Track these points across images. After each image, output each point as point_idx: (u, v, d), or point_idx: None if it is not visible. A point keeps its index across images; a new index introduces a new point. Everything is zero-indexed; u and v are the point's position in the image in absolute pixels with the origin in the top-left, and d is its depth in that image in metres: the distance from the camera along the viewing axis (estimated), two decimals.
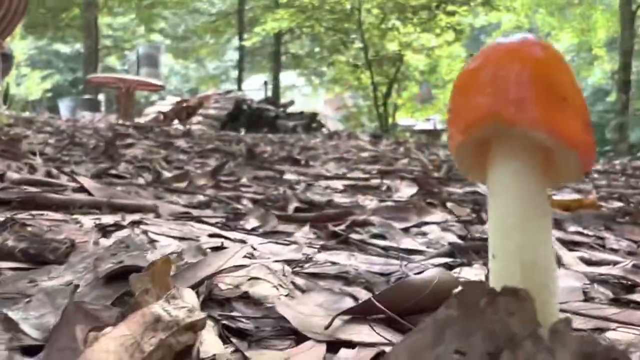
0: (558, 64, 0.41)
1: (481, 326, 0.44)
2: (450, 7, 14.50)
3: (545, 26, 16.45)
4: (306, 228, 1.67)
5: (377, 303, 0.76)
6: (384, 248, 1.51)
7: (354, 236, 1.60)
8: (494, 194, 0.42)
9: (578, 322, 0.94)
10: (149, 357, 0.49)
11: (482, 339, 0.44)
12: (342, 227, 1.71)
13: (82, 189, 1.90)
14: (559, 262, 1.42)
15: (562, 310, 0.97)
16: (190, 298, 0.75)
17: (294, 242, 1.45)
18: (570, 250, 1.63)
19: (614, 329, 0.92)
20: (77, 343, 0.50)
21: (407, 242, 1.65)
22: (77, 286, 0.68)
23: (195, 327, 0.53)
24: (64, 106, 12.08)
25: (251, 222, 1.72)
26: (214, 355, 0.65)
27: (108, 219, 1.49)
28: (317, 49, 18.48)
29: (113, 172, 2.65)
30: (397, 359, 0.47)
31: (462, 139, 0.42)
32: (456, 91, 0.43)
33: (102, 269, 0.80)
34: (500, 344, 0.43)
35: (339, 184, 3.12)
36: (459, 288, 0.45)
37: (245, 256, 1.22)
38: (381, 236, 1.69)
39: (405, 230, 1.87)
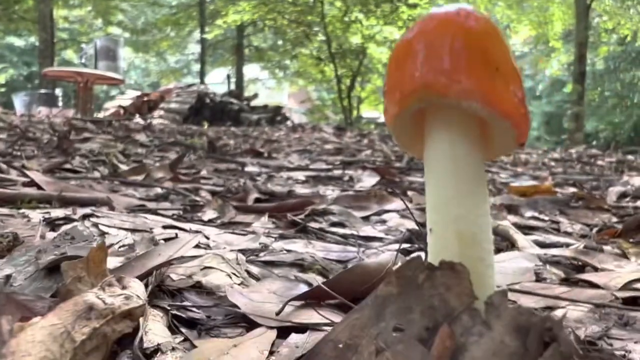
0: (492, 34, 0.41)
1: (420, 302, 0.44)
2: (412, 0, 14.61)
3: (504, 19, 16.75)
4: (264, 218, 1.65)
5: (326, 288, 0.75)
6: (343, 236, 1.51)
7: (313, 225, 1.59)
8: (430, 166, 0.42)
9: (529, 301, 0.95)
10: (81, 346, 0.47)
11: (421, 315, 0.43)
12: (302, 216, 1.70)
13: (32, 184, 1.83)
14: (513, 245, 1.45)
15: (514, 291, 0.99)
16: (137, 288, 0.73)
17: (252, 232, 1.43)
18: (526, 234, 1.66)
19: (563, 307, 0.94)
20: (3, 335, 0.47)
21: (367, 230, 1.65)
22: (9, 276, 0.65)
23: (132, 315, 0.51)
24: (19, 101, 11.65)
25: (208, 214, 1.69)
26: (158, 344, 0.63)
27: (58, 213, 1.44)
28: (280, 42, 18.36)
29: (67, 166, 2.57)
30: (338, 337, 0.46)
31: (397, 111, 0.41)
32: (392, 62, 0.42)
33: (43, 261, 0.77)
34: (438, 319, 0.43)
35: (300, 175, 3.10)
36: (398, 264, 0.44)
37: (200, 246, 1.19)
38: (341, 224, 1.69)
39: (365, 218, 1.88)
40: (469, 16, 0.41)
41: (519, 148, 0.42)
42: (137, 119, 8.66)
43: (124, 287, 0.62)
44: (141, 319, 0.55)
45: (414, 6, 14.86)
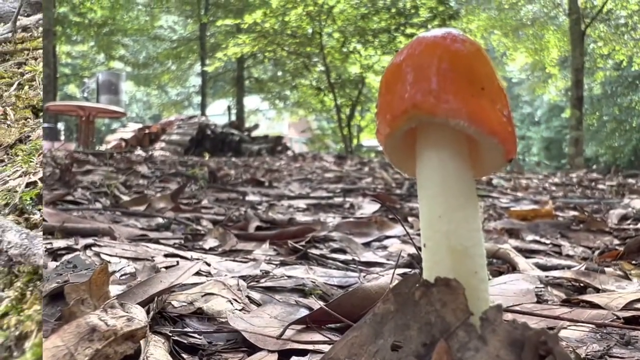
0: (477, 56, 0.43)
1: (417, 318, 0.44)
2: (409, 30, 14.83)
3: (500, 47, 17.00)
4: (265, 245, 1.65)
5: (327, 309, 0.76)
6: (344, 262, 1.51)
7: (314, 251, 1.60)
8: (422, 183, 0.43)
9: (530, 322, 0.95)
10: None
11: (418, 331, 0.44)
12: (303, 243, 1.70)
13: None
14: (514, 268, 1.45)
15: (515, 312, 0.99)
16: (137, 314, 0.74)
17: (253, 259, 1.44)
18: (527, 257, 1.66)
19: (564, 327, 0.94)
20: None
21: (368, 256, 1.65)
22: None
23: (135, 337, 0.52)
24: None
25: (210, 242, 1.70)
26: None
27: (60, 243, 1.45)
28: (279, 73, 18.59)
29: (69, 198, 2.58)
30: (337, 355, 0.47)
31: (388, 131, 0.43)
32: (383, 85, 0.44)
33: (46, 289, 0.77)
34: (435, 334, 0.44)
35: (301, 203, 3.12)
36: (395, 282, 0.45)
37: (201, 274, 1.20)
38: (341, 251, 1.69)
39: (366, 244, 1.88)
40: (455, 39, 0.43)
41: (507, 164, 0.43)
42: (139, 151, 8.72)
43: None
44: (142, 342, 0.56)
45: (411, 36, 15.08)
